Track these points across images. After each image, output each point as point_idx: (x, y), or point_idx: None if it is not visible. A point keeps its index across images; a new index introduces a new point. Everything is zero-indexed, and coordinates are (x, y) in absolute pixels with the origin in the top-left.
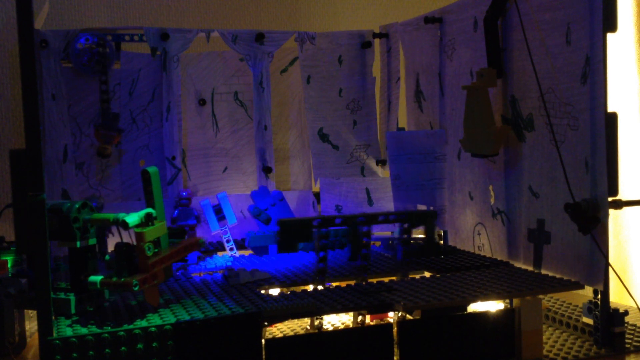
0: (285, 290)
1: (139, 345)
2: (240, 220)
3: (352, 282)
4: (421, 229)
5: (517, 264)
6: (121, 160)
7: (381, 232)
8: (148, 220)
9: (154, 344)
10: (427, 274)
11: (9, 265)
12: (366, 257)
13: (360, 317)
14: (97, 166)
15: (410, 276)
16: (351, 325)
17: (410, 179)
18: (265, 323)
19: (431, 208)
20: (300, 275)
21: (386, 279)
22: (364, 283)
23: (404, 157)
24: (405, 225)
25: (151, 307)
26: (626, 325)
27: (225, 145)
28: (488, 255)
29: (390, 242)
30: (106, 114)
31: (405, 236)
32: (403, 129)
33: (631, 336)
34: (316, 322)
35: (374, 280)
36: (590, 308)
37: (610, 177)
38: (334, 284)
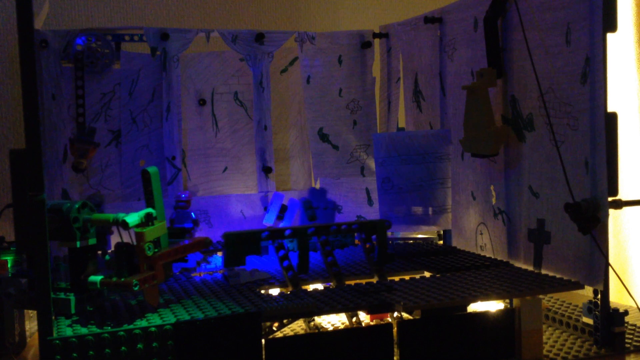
0: (285, 290)
1: (139, 345)
2: (241, 221)
3: (352, 282)
4: (420, 229)
5: (517, 264)
6: (121, 160)
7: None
8: (148, 220)
9: (154, 344)
10: (427, 274)
11: (9, 265)
12: (334, 263)
13: (354, 318)
14: (95, 165)
15: (410, 276)
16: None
17: (404, 181)
18: (275, 327)
19: (430, 209)
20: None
21: (363, 281)
22: (368, 281)
23: (396, 159)
24: (363, 236)
25: (151, 307)
26: (626, 325)
27: (225, 145)
28: (490, 255)
29: (390, 242)
30: (82, 127)
31: (368, 245)
32: (403, 129)
33: (631, 336)
34: (311, 324)
35: (352, 282)
36: (590, 308)
37: (610, 177)
38: (334, 284)
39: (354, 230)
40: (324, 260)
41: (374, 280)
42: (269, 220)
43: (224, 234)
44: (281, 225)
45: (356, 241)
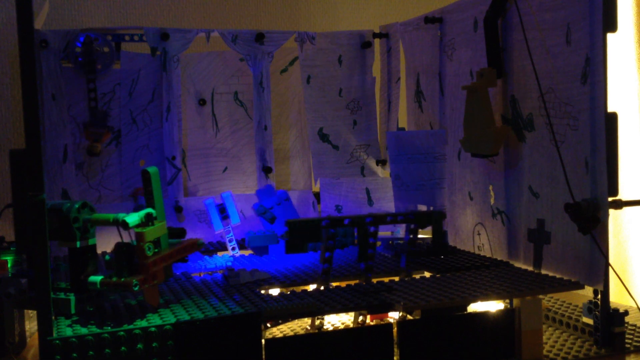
0: (285, 290)
1: (139, 345)
2: (241, 220)
3: (353, 282)
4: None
5: (517, 264)
6: (121, 160)
7: (381, 232)
8: (148, 220)
9: (154, 344)
10: (427, 274)
11: (9, 265)
12: (371, 257)
13: (360, 317)
14: (95, 165)
15: (411, 276)
16: (351, 325)
17: (411, 179)
18: (269, 325)
19: (431, 208)
20: (300, 275)
21: (386, 279)
22: (364, 283)
23: (404, 157)
24: (412, 226)
25: (151, 307)
26: (626, 325)
27: (225, 145)
28: (488, 255)
29: (390, 242)
30: (94, 111)
31: (411, 236)
32: (403, 129)
33: (631, 336)
34: (317, 322)
35: (375, 280)
36: (590, 308)
37: (610, 177)
38: (334, 284)
39: (410, 221)
40: (322, 253)
41: (397, 278)
42: (218, 227)
43: (287, 221)
44: (233, 223)
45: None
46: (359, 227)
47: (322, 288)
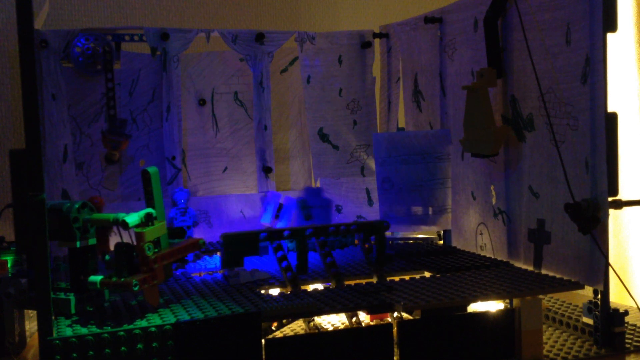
0: (285, 290)
1: (139, 345)
2: (241, 220)
3: (353, 282)
4: (420, 229)
5: (517, 264)
6: (121, 160)
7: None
8: (148, 220)
9: (154, 344)
10: (427, 274)
11: (9, 265)
12: (333, 264)
13: (354, 318)
14: (101, 169)
15: (410, 276)
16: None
17: (404, 181)
18: (274, 327)
19: (430, 209)
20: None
21: (363, 281)
22: (369, 282)
23: (397, 159)
24: (362, 236)
25: (151, 307)
26: (626, 325)
27: (225, 145)
28: (490, 255)
29: (390, 242)
30: (113, 119)
31: (367, 245)
32: (403, 129)
33: (631, 336)
34: (310, 324)
35: (352, 283)
36: (590, 308)
37: (610, 177)
38: (333, 284)
39: (353, 231)
40: (323, 261)
41: (374, 280)
42: (266, 220)
43: (222, 235)
44: (278, 224)
45: (355, 241)
46: (298, 239)
47: (321, 287)
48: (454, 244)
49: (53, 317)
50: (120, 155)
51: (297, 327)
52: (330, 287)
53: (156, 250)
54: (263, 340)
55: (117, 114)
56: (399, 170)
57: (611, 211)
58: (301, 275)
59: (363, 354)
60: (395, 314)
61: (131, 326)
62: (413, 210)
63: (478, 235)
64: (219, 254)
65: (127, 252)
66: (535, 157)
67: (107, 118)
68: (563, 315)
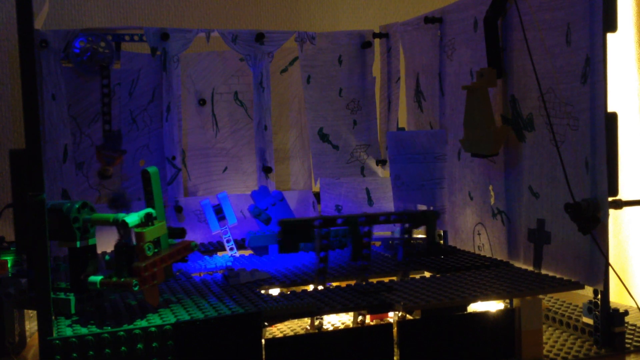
0: (285, 290)
1: (139, 345)
2: (241, 220)
3: (352, 282)
4: (421, 229)
5: (517, 264)
6: (121, 161)
7: (381, 232)
8: (148, 220)
9: (154, 344)
10: (427, 274)
11: (9, 265)
12: (367, 257)
13: (360, 317)
14: (96, 165)
15: (410, 276)
16: (351, 325)
17: (411, 179)
18: (266, 323)
19: (431, 208)
20: (300, 275)
21: (386, 279)
22: (364, 283)
23: (404, 157)
24: (407, 226)
25: (151, 307)
26: (626, 325)
27: (225, 145)
28: (488, 255)
29: (390, 242)
30: (108, 135)
31: (407, 236)
32: (403, 129)
33: (631, 336)
34: (316, 322)
35: (374, 280)
36: (590, 308)
37: (610, 177)
38: (334, 284)
39: (403, 220)
40: (317, 252)
41: (396, 278)
42: (215, 227)
43: (280, 221)
44: (230, 224)
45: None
46: (352, 227)
47: (319, 288)
48: (451, 244)
49: (53, 317)
50: (113, 171)
51: (297, 327)
52: (331, 287)
53: (156, 250)
54: (263, 340)
55: (112, 128)
56: (406, 168)
57: (611, 211)
58: (328, 272)
59: (363, 354)
60: (395, 314)
61: (131, 326)
62: (418, 208)
63: (476, 235)
64: (219, 253)
65: (127, 252)
66: (535, 157)
67: (102, 133)
68: (563, 315)
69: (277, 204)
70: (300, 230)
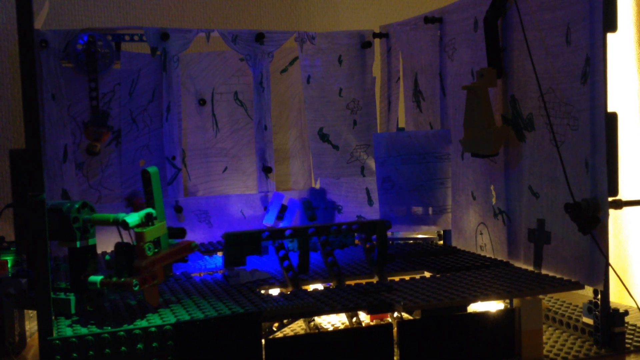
0: (285, 290)
1: (139, 345)
2: (240, 220)
3: (353, 282)
4: (420, 229)
5: (517, 264)
6: (121, 160)
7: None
8: (148, 220)
9: (154, 344)
10: (427, 274)
11: (9, 265)
12: (335, 263)
13: (354, 318)
14: (95, 165)
15: (410, 276)
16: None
17: (404, 181)
18: (275, 327)
19: (430, 209)
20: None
21: (363, 281)
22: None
23: (397, 159)
24: (363, 235)
25: (151, 307)
26: (626, 325)
27: (225, 145)
28: (490, 255)
29: (390, 242)
30: (95, 111)
31: (368, 245)
32: (403, 129)
33: (631, 336)
34: (311, 324)
35: (352, 282)
36: (590, 308)
37: (610, 177)
38: (334, 284)
39: (354, 231)
40: (324, 260)
41: (374, 280)
42: (269, 220)
43: (225, 234)
44: (281, 225)
45: (356, 241)
46: (300, 238)
47: (321, 287)
48: (454, 243)
49: (53, 317)
50: (101, 147)
51: (297, 327)
52: (331, 287)
53: (156, 250)
54: (263, 340)
55: (98, 106)
56: (399, 169)
57: (611, 211)
58: (302, 275)
59: (363, 354)
60: (396, 314)
61: (131, 326)
62: (413, 210)
63: (478, 235)
64: (219, 253)
65: (127, 252)
66: (535, 157)
67: (89, 109)
68: (563, 315)
69: (328, 209)
70: (247, 243)
